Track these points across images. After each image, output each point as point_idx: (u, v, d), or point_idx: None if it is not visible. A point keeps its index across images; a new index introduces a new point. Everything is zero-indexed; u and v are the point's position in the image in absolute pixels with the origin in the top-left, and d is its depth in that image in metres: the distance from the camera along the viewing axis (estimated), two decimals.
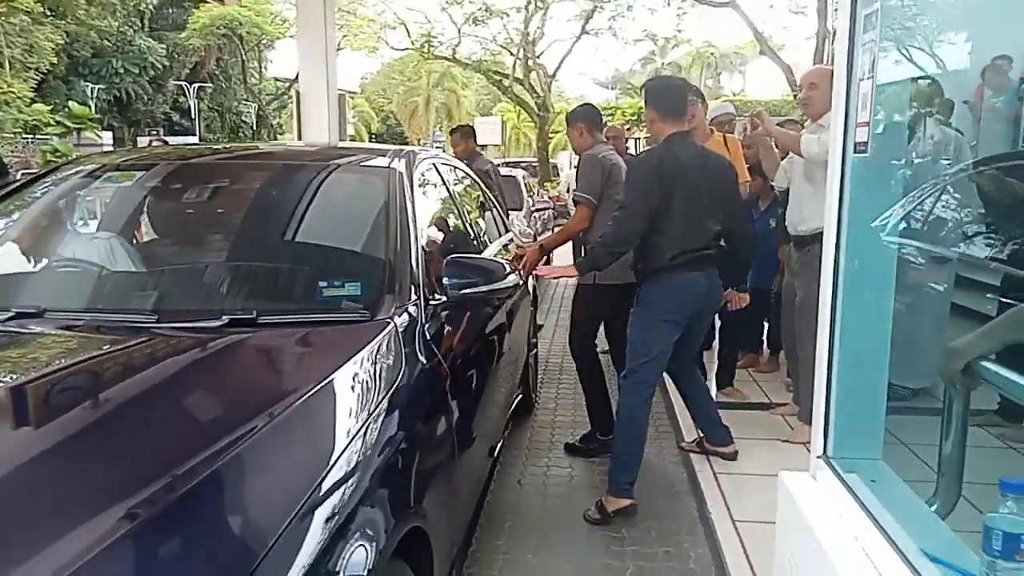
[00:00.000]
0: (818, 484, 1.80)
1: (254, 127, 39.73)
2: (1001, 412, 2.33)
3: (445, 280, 2.23)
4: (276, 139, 37.62)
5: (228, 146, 4.77)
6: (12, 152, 28.81)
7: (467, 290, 2.23)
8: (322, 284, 2.10)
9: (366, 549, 1.33)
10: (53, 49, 29.67)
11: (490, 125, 23.91)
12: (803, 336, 3.58)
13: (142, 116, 37.82)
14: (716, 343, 4.70)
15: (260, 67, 41.55)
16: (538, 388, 4.88)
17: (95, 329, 1.89)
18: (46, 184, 2.59)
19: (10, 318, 1.91)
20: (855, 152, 1.60)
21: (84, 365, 1.68)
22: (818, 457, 1.81)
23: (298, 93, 9.85)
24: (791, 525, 1.81)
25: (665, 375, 3.48)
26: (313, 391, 1.55)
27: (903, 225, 1.84)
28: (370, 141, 42.98)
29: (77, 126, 31.59)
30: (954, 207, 2.56)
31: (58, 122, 30.52)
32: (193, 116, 38.40)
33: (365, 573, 1.29)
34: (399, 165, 2.57)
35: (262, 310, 1.94)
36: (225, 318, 1.89)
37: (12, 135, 28.73)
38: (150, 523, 1.11)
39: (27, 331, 1.86)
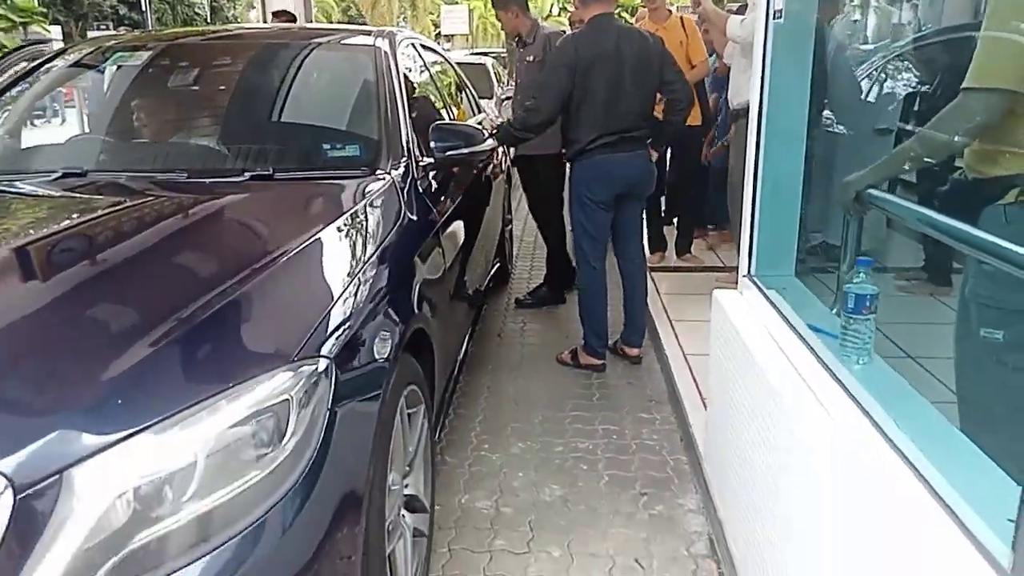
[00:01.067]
0: (744, 298, 2.22)
1: (207, 19, 38.15)
2: (926, 268, 2.77)
3: (432, 143, 2.55)
4: None
5: (229, 28, 4.93)
6: None
7: (451, 152, 2.56)
8: (326, 146, 2.42)
9: (387, 337, 1.72)
10: None
11: (457, 14, 23.24)
12: (735, 200, 3.95)
13: (88, 9, 35.95)
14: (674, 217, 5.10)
15: None
16: (514, 260, 5.28)
17: (132, 185, 2.21)
18: (61, 65, 2.82)
19: (59, 177, 2.22)
20: (774, 18, 1.93)
21: (134, 210, 2.02)
22: (743, 276, 2.23)
23: None
24: (722, 333, 2.23)
25: None
26: (334, 224, 1.92)
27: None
28: None
29: (23, 20, 30.17)
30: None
31: (2, 15, 29.22)
32: (143, 8, 36.66)
33: (388, 353, 1.69)
34: (383, 43, 2.84)
35: (277, 168, 2.27)
36: (247, 175, 2.22)
37: None
38: (228, 305, 1.48)
39: (74, 185, 2.18)
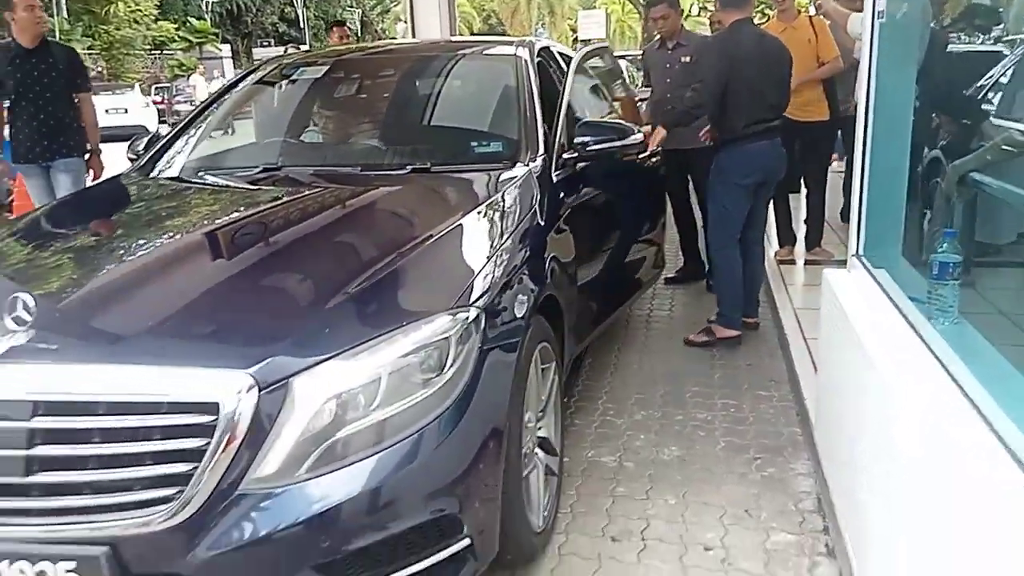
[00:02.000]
0: (851, 277, 2.38)
1: (358, 33, 40.46)
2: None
3: (577, 138, 2.83)
4: None
5: (386, 44, 5.50)
6: (144, 68, 30.97)
7: (595, 146, 2.82)
8: (474, 143, 2.81)
9: (523, 300, 2.06)
10: None
11: (594, 19, 23.51)
12: None
13: (252, 28, 39.18)
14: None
15: None
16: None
17: (317, 177, 2.69)
18: (255, 79, 3.39)
19: (260, 170, 2.73)
20: (878, 18, 2.10)
21: (322, 195, 2.49)
22: (852, 256, 2.39)
23: None
24: (830, 309, 2.41)
25: None
26: (481, 207, 2.29)
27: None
28: None
29: (199, 40, 33.38)
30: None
31: (182, 37, 32.40)
32: (301, 26, 39.30)
33: (524, 313, 2.03)
34: (523, 52, 3.19)
35: (433, 162, 2.67)
36: (408, 168, 2.63)
37: (142, 51, 30.66)
38: (402, 266, 1.88)
39: (273, 178, 2.68)
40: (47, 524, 1.53)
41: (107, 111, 19.40)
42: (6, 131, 4.30)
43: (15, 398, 1.53)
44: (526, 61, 3.12)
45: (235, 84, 3.39)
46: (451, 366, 1.71)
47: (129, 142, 3.24)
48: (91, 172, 4.56)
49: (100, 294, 1.86)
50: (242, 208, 2.46)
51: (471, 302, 1.82)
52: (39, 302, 1.67)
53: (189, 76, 18.90)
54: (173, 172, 2.86)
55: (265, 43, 37.57)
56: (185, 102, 22.26)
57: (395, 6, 42.24)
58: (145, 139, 3.22)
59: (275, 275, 1.92)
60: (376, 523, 1.60)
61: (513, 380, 1.91)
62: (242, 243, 2.17)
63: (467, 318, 1.78)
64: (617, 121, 3.18)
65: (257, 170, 2.75)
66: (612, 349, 3.75)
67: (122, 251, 2.11)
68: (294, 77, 3.38)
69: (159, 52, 32.18)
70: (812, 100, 4.66)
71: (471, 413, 1.73)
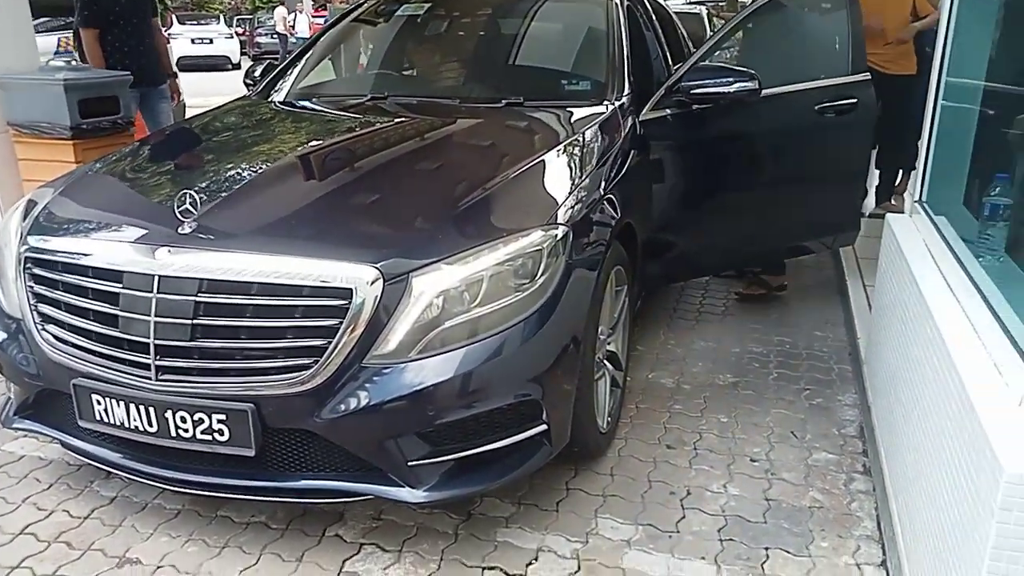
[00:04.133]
0: (912, 221, 2.54)
1: None
2: None
3: (684, 82, 2.95)
4: None
5: None
6: None
7: (699, 90, 2.92)
8: (564, 82, 3.03)
9: (604, 224, 2.30)
10: None
11: None
12: None
13: None
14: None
15: None
16: None
17: (422, 106, 2.96)
18: (371, 12, 3.66)
19: (367, 99, 3.01)
20: None
21: (426, 122, 2.77)
22: (915, 201, 2.55)
23: None
24: (889, 250, 2.58)
25: None
26: (571, 139, 2.53)
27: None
28: None
29: None
30: None
31: None
32: None
33: (605, 235, 2.27)
34: None
35: (527, 98, 2.89)
36: (503, 102, 2.87)
37: None
38: (503, 186, 2.15)
39: (379, 105, 2.97)
40: (205, 382, 1.87)
41: (193, 41, 20.03)
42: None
43: (186, 275, 1.86)
44: (617, 5, 3.29)
45: (339, 20, 3.66)
46: (541, 275, 1.97)
47: (246, 70, 3.56)
48: (174, 97, 4.83)
49: (250, 195, 2.19)
50: (360, 129, 2.78)
51: (560, 222, 2.07)
52: (201, 200, 2.00)
53: (274, 9, 19.21)
54: (290, 97, 3.17)
55: None
56: (266, 34, 22.71)
57: None
58: (261, 67, 3.52)
59: (395, 188, 2.23)
60: (467, 402, 1.89)
61: (592, 294, 2.16)
62: (364, 158, 2.49)
63: (556, 235, 2.03)
64: (728, 66, 3.13)
65: (366, 98, 3.03)
66: (677, 287, 3.97)
67: (264, 161, 2.43)
68: (399, 13, 3.62)
69: None
70: (903, 53, 4.66)
71: (555, 318, 1.99)
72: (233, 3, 31.37)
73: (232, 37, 21.49)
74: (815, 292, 3.92)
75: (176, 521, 2.16)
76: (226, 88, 14.35)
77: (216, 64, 19.36)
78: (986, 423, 1.31)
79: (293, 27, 19.58)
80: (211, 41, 20.24)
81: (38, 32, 4.40)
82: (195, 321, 1.85)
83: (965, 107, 2.37)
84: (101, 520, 2.16)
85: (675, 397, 2.86)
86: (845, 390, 2.91)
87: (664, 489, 2.31)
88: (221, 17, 23.32)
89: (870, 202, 5.12)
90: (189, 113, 5.20)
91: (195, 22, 21.39)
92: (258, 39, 23.61)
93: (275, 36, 20.86)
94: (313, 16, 23.37)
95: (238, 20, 26.37)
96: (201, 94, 10.37)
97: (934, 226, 2.40)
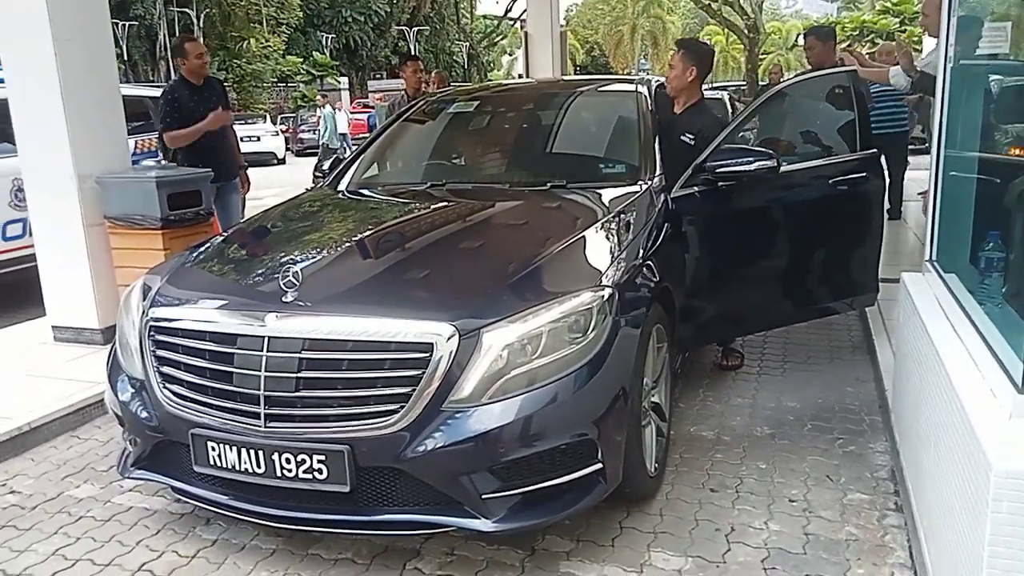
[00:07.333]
0: (924, 279, 2.80)
1: (465, 66, 42.11)
2: None
3: (709, 162, 3.24)
4: (487, 77, 39.61)
5: (522, 82, 6.22)
6: (269, 99, 33.45)
7: (722, 169, 3.21)
8: (602, 165, 3.40)
9: (645, 286, 2.61)
10: (300, 4, 33.57)
11: None
12: None
13: (367, 62, 41.45)
14: None
15: (470, 7, 43.39)
16: None
17: (476, 191, 3.34)
18: (423, 110, 4.12)
19: (427, 186, 3.41)
20: (948, 63, 2.55)
21: (483, 205, 3.14)
22: (926, 260, 2.81)
23: (527, 34, 11.14)
24: (906, 308, 2.83)
25: None
26: (611, 215, 2.87)
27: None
28: (575, 74, 43.84)
29: (320, 73, 35.77)
30: None
31: (306, 71, 34.91)
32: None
33: (647, 295, 2.57)
34: (642, 88, 3.76)
35: (569, 181, 3.26)
36: (548, 185, 3.24)
37: (270, 84, 33.10)
38: (556, 255, 2.49)
39: (438, 191, 3.36)
40: (307, 427, 2.18)
41: (242, 139, 21.17)
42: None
43: (291, 335, 2.20)
44: (645, 96, 3.68)
45: (397, 119, 4.13)
46: (592, 330, 2.27)
47: (315, 164, 4.02)
48: (245, 186, 5.39)
49: (340, 268, 2.59)
50: (424, 211, 3.19)
51: (606, 284, 2.38)
52: (302, 273, 2.36)
53: (319, 108, 20.13)
54: (356, 187, 3.58)
55: (378, 75, 39.68)
56: (309, 131, 23.93)
57: (501, 39, 43.68)
58: (328, 161, 3.97)
59: (461, 259, 2.62)
60: (529, 441, 2.17)
61: (637, 348, 2.45)
62: (432, 234, 2.88)
63: (603, 295, 2.34)
64: (749, 147, 3.39)
65: (426, 185, 3.42)
66: (714, 348, 4.22)
67: (347, 240, 2.83)
68: (449, 111, 4.07)
69: (284, 84, 34.64)
70: None
71: (605, 368, 2.28)
72: (276, 103, 33.20)
73: (278, 134, 22.74)
74: (845, 352, 4.15)
75: (272, 559, 2.43)
76: (276, 180, 15.25)
77: (263, 160, 20.46)
78: (979, 433, 1.56)
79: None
80: (258, 139, 21.41)
81: None
82: (299, 375, 2.17)
83: (964, 176, 2.67)
84: (207, 559, 2.44)
85: (716, 447, 3.08)
86: (876, 439, 3.11)
87: (710, 526, 2.53)
88: (267, 116, 24.68)
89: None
90: (248, 204, 5.72)
91: (243, 122, 22.68)
92: (301, 135, 24.91)
93: (317, 133, 21.93)
94: (351, 113, 24.58)
95: (282, 119, 27.87)
96: (253, 186, 11.02)
97: (943, 282, 2.66)
